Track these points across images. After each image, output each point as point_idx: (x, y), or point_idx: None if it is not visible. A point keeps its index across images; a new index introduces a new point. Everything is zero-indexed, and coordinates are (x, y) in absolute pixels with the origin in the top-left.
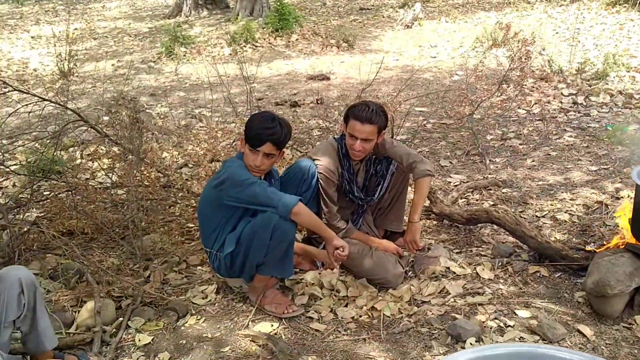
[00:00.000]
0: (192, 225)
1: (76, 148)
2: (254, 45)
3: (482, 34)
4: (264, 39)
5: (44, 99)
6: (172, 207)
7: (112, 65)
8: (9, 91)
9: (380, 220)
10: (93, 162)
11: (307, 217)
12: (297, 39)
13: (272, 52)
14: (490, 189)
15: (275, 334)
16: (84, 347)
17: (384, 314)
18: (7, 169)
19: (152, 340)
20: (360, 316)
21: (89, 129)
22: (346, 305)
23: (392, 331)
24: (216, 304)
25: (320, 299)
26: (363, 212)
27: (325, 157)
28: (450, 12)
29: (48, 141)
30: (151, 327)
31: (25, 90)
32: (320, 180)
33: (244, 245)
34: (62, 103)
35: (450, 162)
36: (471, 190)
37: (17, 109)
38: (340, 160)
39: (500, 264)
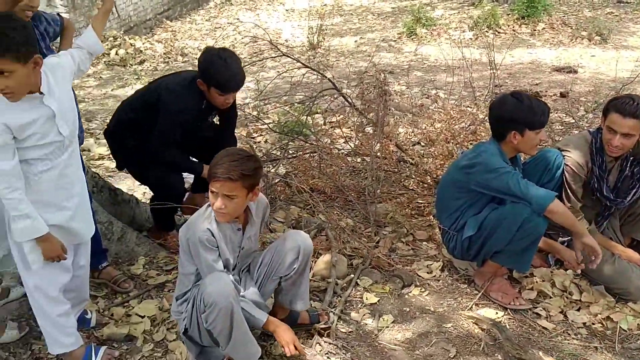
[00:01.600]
0: (422, 201)
1: (321, 114)
2: (496, 31)
3: None
4: (508, 26)
5: (307, 66)
6: (405, 181)
7: (355, 41)
8: (278, 55)
9: (628, 227)
10: (334, 129)
11: (562, 215)
12: (543, 28)
13: (516, 40)
14: None
15: (500, 322)
16: (318, 294)
17: (620, 327)
18: (263, 126)
19: (377, 301)
20: (593, 324)
21: (334, 98)
22: (578, 310)
23: (628, 346)
24: (440, 281)
25: (550, 297)
26: (609, 215)
27: (576, 150)
28: None
29: (299, 105)
30: (378, 289)
31: (293, 57)
32: (566, 172)
33: (486, 231)
34: (321, 72)
35: None
36: None
37: (281, 73)
38: (593, 155)
39: None
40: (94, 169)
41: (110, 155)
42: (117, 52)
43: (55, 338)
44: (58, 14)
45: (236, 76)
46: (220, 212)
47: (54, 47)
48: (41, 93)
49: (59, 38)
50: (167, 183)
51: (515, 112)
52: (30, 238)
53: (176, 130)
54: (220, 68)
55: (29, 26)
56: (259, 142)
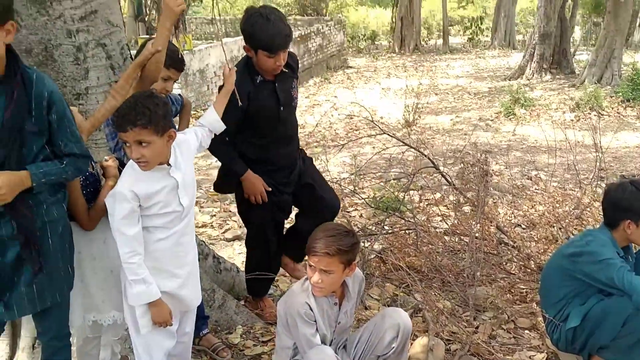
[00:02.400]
0: (524, 287)
1: (417, 191)
2: (599, 113)
3: None
4: (612, 108)
5: (405, 143)
6: (506, 264)
7: (451, 120)
8: (378, 134)
9: None
10: (431, 207)
11: None
12: None
13: (620, 122)
14: None
15: None
16: None
17: None
18: (359, 200)
19: None
20: None
21: (431, 175)
22: None
23: None
24: None
25: None
26: None
27: None
28: None
29: (395, 181)
30: None
31: (391, 134)
32: None
33: (591, 324)
34: (419, 149)
35: None
36: None
37: (380, 151)
38: None
39: None
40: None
41: (212, 224)
42: None
43: None
44: (180, 94)
45: (282, 32)
46: (317, 286)
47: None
48: (169, 165)
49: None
50: (251, 218)
51: (634, 201)
52: (144, 303)
53: (230, 118)
54: (263, 26)
55: (168, 103)
56: (354, 216)
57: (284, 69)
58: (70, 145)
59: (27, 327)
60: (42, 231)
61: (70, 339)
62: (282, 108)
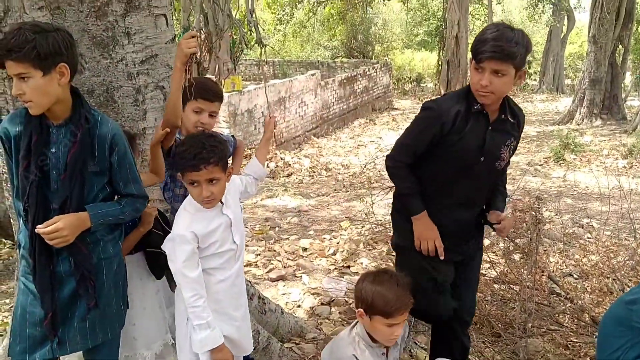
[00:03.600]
0: (578, 340)
1: None
2: None
3: None
4: None
5: None
6: (559, 316)
7: None
8: None
9: None
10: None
11: None
12: None
13: None
14: None
15: None
16: None
17: None
18: None
19: None
20: None
21: None
22: None
23: None
24: None
25: None
26: None
27: None
28: None
29: None
30: None
31: None
32: None
33: None
34: None
35: None
36: None
37: None
38: None
39: None
40: None
41: (257, 263)
42: (267, 165)
43: None
44: (232, 135)
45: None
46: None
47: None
48: (222, 202)
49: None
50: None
51: None
52: (210, 348)
53: (420, 133)
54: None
55: (226, 140)
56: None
57: (510, 118)
58: (130, 186)
59: None
60: (97, 267)
61: None
62: (482, 158)
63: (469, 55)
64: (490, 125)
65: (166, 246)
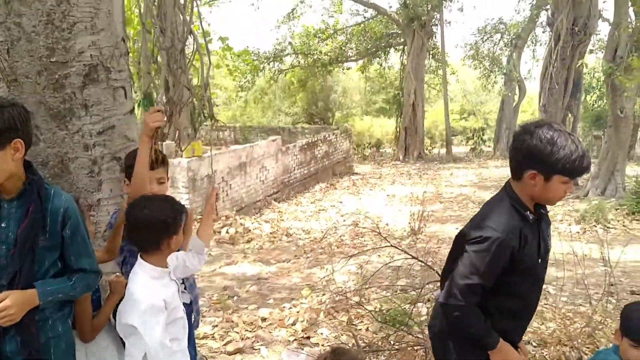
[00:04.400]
0: None
1: (424, 304)
2: (605, 226)
3: None
4: (618, 221)
5: (413, 257)
6: None
7: (456, 228)
8: (385, 246)
9: None
10: None
11: None
12: None
13: (627, 236)
14: None
15: None
16: None
17: None
18: (365, 312)
19: None
20: None
21: (437, 287)
22: None
23: None
24: None
25: None
26: None
27: None
28: None
29: (401, 292)
30: None
31: (400, 248)
32: None
33: None
34: (427, 263)
35: None
36: None
37: (387, 263)
38: None
39: None
40: (198, 348)
41: (214, 335)
42: (227, 230)
43: None
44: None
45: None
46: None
47: None
48: (166, 267)
49: None
50: None
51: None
52: None
53: (490, 267)
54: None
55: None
56: (360, 329)
57: (542, 209)
58: (82, 261)
59: None
60: (45, 347)
61: None
62: (540, 260)
63: (426, 122)
64: (540, 226)
65: (142, 319)
